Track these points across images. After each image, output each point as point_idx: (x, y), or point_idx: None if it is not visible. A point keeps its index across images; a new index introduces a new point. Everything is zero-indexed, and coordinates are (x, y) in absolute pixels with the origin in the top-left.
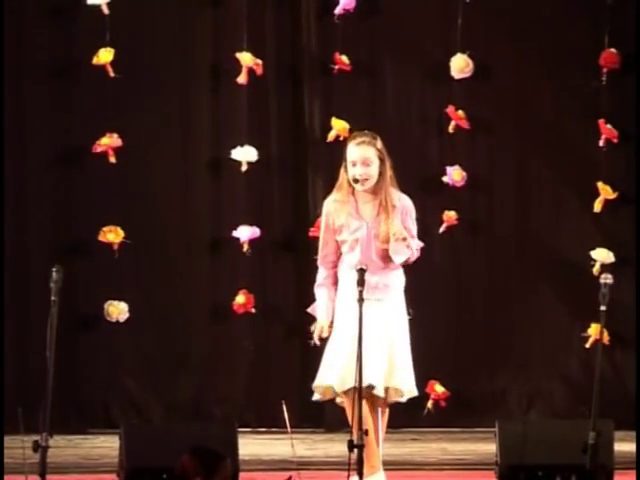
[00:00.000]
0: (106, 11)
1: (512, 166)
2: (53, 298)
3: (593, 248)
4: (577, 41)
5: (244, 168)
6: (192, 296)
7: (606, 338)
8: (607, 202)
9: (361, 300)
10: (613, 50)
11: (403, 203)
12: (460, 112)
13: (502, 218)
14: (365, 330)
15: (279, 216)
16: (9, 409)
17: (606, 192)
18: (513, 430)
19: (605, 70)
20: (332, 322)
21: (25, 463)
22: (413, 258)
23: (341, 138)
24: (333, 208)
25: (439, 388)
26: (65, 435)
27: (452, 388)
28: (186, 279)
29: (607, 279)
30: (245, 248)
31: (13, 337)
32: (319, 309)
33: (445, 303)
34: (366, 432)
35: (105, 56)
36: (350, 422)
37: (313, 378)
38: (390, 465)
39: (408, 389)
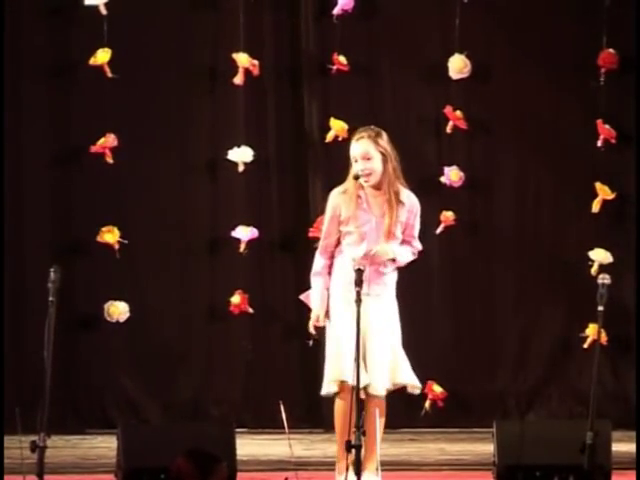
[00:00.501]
0: (104, 11)
1: (510, 166)
2: (51, 298)
3: (591, 248)
4: (575, 41)
5: (241, 169)
6: (191, 297)
7: (604, 339)
8: (605, 202)
9: (359, 301)
10: (611, 50)
11: (412, 201)
12: (458, 112)
13: (500, 218)
14: (370, 328)
15: (278, 217)
16: (7, 409)
17: (604, 192)
18: (511, 430)
19: (603, 70)
20: (327, 312)
21: (23, 463)
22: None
23: (340, 138)
24: (341, 199)
25: (437, 388)
26: (63, 435)
27: (450, 388)
28: (185, 280)
29: (605, 279)
30: (242, 249)
31: (11, 337)
32: (314, 298)
33: (443, 303)
34: (364, 432)
35: (102, 56)
36: (338, 421)
37: (311, 379)
38: (388, 465)
39: (415, 382)
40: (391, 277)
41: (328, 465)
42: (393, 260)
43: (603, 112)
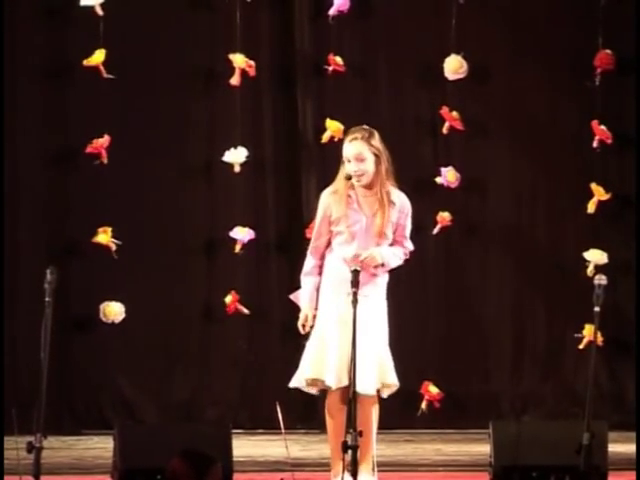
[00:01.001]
0: (100, 12)
1: (506, 167)
2: (47, 299)
3: (586, 249)
4: (571, 42)
5: (237, 170)
6: (187, 297)
7: (600, 339)
8: (601, 203)
9: (355, 301)
10: (608, 51)
11: (402, 201)
12: (454, 113)
13: (496, 219)
14: (357, 328)
15: (273, 217)
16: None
17: (599, 193)
18: (507, 431)
19: (599, 71)
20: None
21: (19, 464)
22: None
23: (335, 139)
24: (332, 199)
25: (433, 389)
26: (59, 436)
27: (446, 389)
28: (181, 280)
29: (601, 280)
30: (237, 249)
31: (7, 338)
32: (304, 298)
33: (439, 304)
34: (360, 433)
35: (97, 57)
36: (329, 425)
37: None
38: (384, 466)
39: (394, 382)
40: (382, 278)
41: (324, 466)
42: (382, 265)
43: (599, 113)
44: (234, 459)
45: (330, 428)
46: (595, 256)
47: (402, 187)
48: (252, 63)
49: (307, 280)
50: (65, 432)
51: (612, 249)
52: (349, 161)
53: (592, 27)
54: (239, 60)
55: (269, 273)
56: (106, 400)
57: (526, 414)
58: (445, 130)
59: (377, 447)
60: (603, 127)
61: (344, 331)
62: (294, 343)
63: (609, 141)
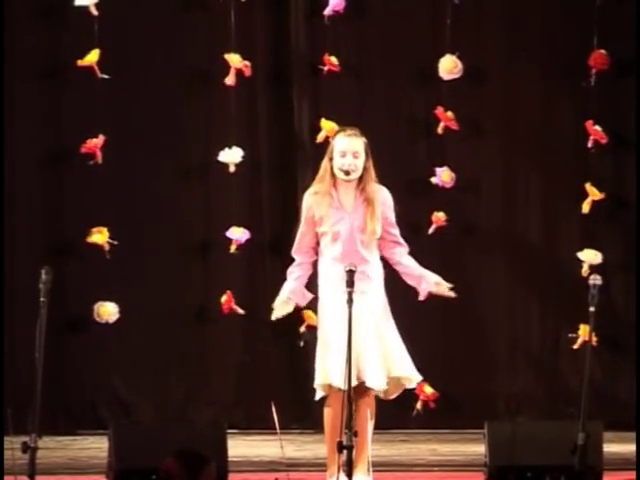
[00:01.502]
0: (94, 12)
1: (501, 167)
2: (42, 299)
3: (581, 249)
4: (566, 42)
5: (232, 170)
6: (182, 297)
7: (594, 339)
8: (595, 203)
9: (350, 301)
10: (602, 51)
11: (383, 194)
12: (449, 113)
13: (491, 219)
14: (355, 327)
15: (268, 218)
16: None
17: (594, 193)
18: (502, 431)
19: (594, 71)
20: (290, 299)
21: (14, 464)
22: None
23: (330, 139)
24: (314, 200)
25: (428, 389)
26: (54, 436)
27: (441, 389)
28: (176, 281)
29: (596, 280)
30: (232, 249)
31: (2, 338)
32: (284, 288)
33: (434, 304)
34: (356, 433)
35: (92, 57)
36: (327, 426)
37: (302, 379)
38: (379, 466)
39: (410, 375)
40: (375, 270)
41: (319, 466)
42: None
43: (594, 113)
44: (229, 459)
45: (329, 428)
46: (589, 256)
47: (397, 187)
48: (248, 63)
49: (290, 272)
50: (60, 432)
51: (607, 249)
52: (344, 155)
53: (587, 27)
54: (234, 60)
55: (264, 273)
56: (101, 400)
57: (521, 414)
58: (440, 130)
59: (372, 447)
60: (598, 127)
61: (346, 331)
62: (289, 344)
63: (604, 141)
